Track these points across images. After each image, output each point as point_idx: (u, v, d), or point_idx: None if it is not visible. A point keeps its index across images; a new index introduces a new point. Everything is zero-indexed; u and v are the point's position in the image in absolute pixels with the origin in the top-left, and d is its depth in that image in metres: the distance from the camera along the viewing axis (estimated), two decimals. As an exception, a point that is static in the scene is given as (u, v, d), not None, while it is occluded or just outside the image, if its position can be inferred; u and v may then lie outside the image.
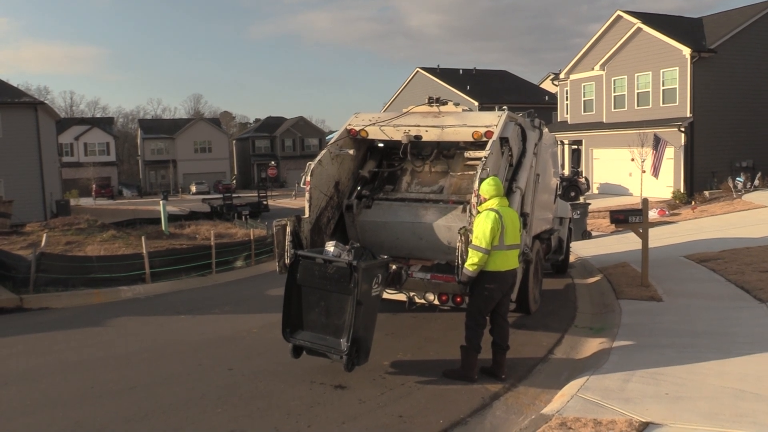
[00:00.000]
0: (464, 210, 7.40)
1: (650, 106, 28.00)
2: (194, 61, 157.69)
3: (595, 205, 21.76)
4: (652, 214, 19.52)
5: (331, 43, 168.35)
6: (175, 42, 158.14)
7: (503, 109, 8.13)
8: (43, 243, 12.96)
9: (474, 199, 6.62)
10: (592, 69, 31.06)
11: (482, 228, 5.90)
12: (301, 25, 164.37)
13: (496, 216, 5.93)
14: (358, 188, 8.48)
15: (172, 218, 26.70)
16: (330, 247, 6.18)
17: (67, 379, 6.55)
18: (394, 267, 7.17)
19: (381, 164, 8.89)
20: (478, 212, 6.18)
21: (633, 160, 25.12)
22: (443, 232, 7.52)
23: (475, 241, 5.94)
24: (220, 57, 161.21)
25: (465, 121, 8.02)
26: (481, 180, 6.50)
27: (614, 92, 30.13)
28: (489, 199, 6.13)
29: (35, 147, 29.34)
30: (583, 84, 32.85)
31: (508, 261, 6.10)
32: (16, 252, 13.43)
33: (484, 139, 7.60)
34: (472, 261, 5.92)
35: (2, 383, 6.42)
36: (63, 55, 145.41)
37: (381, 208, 8.25)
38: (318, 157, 8.09)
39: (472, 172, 7.72)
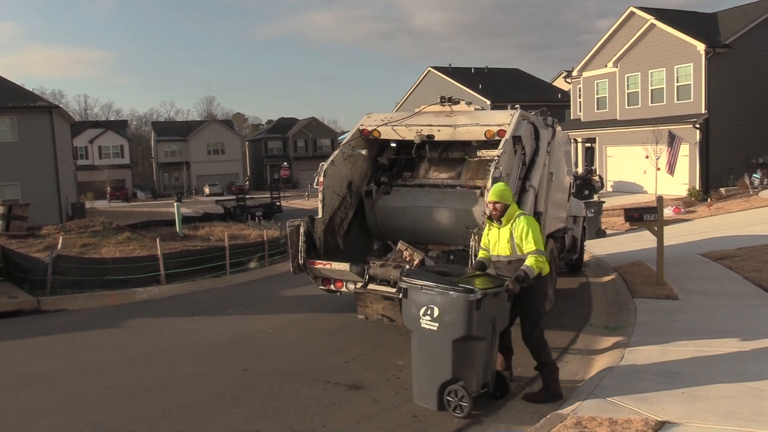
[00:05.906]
0: (482, 195, 7.39)
1: (664, 102, 27.72)
2: (206, 63, 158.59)
3: (609, 203, 21.57)
4: (668, 212, 19.34)
5: (337, 43, 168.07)
6: (186, 45, 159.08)
7: (516, 108, 8.10)
8: (59, 245, 13.12)
9: (487, 209, 6.47)
10: (605, 66, 30.84)
11: (537, 232, 5.64)
12: (305, 24, 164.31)
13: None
14: (377, 175, 8.60)
15: (186, 220, 26.87)
16: None
17: (84, 380, 6.62)
18: (407, 267, 7.16)
19: (399, 153, 9.03)
20: (515, 219, 5.74)
21: (647, 157, 24.91)
22: (461, 217, 7.51)
23: (537, 246, 5.59)
24: (231, 59, 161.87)
25: (477, 120, 8.00)
26: (495, 179, 6.44)
27: (628, 89, 29.86)
28: (510, 204, 5.80)
29: (51, 150, 29.67)
30: (596, 81, 32.63)
31: None
32: (33, 254, 13.59)
33: (497, 137, 7.58)
34: (539, 265, 5.56)
35: (21, 384, 6.50)
36: (72, 59, 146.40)
37: (399, 194, 8.34)
38: (331, 158, 8.13)
39: (489, 158, 7.71)
